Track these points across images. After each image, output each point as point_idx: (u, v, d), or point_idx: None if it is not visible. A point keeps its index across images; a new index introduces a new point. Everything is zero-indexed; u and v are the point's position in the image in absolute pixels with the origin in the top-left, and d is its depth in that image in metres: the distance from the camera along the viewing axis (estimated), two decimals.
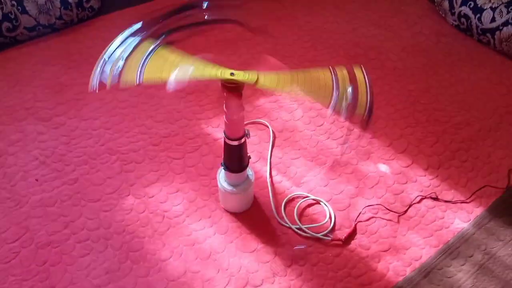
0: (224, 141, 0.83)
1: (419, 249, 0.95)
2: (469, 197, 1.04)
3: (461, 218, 1.00)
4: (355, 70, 0.74)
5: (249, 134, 0.83)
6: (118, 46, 0.71)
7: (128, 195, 1.01)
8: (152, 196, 1.01)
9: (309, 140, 1.15)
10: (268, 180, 1.04)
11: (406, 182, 1.07)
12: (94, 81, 0.67)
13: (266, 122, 1.17)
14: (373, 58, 1.40)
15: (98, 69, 0.67)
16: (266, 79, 0.72)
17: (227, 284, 0.88)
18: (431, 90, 1.30)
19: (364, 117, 0.70)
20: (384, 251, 0.94)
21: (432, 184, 1.07)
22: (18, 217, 0.97)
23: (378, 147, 1.14)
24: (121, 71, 0.67)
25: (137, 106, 1.21)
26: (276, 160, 1.10)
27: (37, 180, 1.03)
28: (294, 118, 1.20)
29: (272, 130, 1.16)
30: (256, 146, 1.13)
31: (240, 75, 0.71)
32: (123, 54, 0.70)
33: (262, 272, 0.90)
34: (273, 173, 1.07)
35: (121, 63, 0.67)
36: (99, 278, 0.88)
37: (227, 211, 0.99)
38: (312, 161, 1.10)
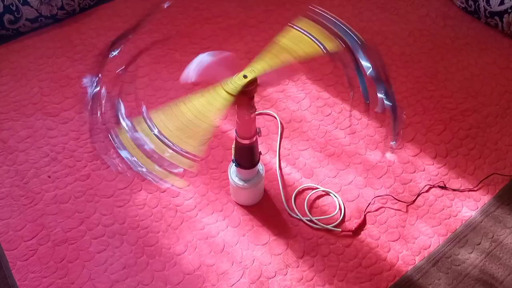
0: (236, 140, 0.84)
1: (428, 238, 0.97)
2: (477, 185, 1.05)
3: (468, 206, 1.02)
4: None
5: (260, 132, 0.83)
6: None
7: (140, 190, 1.03)
8: (164, 191, 1.03)
9: (317, 131, 1.15)
10: (278, 172, 1.06)
11: (414, 171, 1.08)
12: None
13: (274, 113, 1.17)
14: (379, 43, 1.39)
15: None
16: (270, 61, 0.71)
17: (241, 277, 0.90)
18: (438, 76, 1.29)
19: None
20: (394, 240, 0.96)
21: (440, 172, 1.08)
22: (33, 215, 0.98)
23: (385, 136, 1.14)
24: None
25: (144, 99, 1.21)
26: (285, 152, 1.11)
27: (49, 176, 1.05)
28: (301, 108, 1.20)
29: (280, 121, 1.16)
30: (264, 138, 1.13)
31: (252, 72, 0.70)
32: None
33: (274, 264, 0.92)
34: (283, 165, 1.08)
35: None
36: (117, 273, 0.90)
37: (238, 204, 1.01)
38: (321, 151, 1.11)
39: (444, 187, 1.05)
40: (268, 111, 1.18)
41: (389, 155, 1.10)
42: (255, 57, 0.74)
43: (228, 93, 0.69)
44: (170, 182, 0.69)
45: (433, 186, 1.05)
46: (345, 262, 0.93)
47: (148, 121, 0.70)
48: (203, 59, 0.77)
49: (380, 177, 1.07)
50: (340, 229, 0.97)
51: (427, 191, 1.05)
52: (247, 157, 0.87)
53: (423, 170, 1.08)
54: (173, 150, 0.66)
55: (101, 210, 0.99)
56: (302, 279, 0.90)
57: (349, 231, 0.97)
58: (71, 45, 1.35)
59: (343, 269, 0.92)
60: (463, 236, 0.98)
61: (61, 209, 0.99)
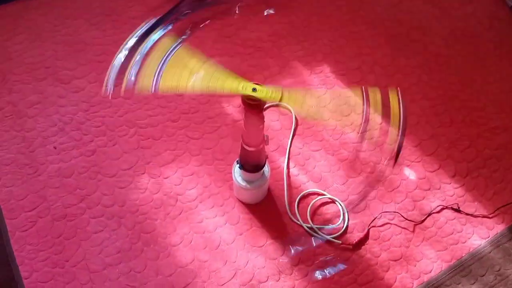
0: (241, 145, 0.80)
1: (431, 262, 0.93)
2: (493, 212, 1.00)
3: (480, 234, 0.97)
4: (390, 95, 0.67)
5: (267, 140, 0.79)
6: (136, 41, 0.65)
7: (144, 173, 1.01)
8: (167, 177, 1.01)
9: (333, 132, 1.10)
10: (285, 172, 1.02)
11: (429, 189, 1.02)
12: (108, 85, 0.63)
13: (289, 107, 1.12)
14: (416, 40, 1.28)
15: (113, 72, 0.62)
16: (291, 98, 0.66)
17: (233, 277, 0.90)
18: (473, 85, 1.19)
19: (392, 153, 0.65)
20: (394, 260, 0.93)
21: (456, 193, 1.02)
22: (36, 186, 0.99)
23: (405, 146, 1.08)
24: (137, 75, 0.63)
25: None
26: (296, 151, 1.06)
27: (55, 148, 1.04)
28: (320, 104, 1.14)
29: (295, 117, 1.11)
30: (276, 133, 1.08)
31: (263, 92, 0.65)
32: (141, 52, 0.65)
33: (268, 268, 0.91)
34: (291, 164, 1.04)
35: (136, 66, 0.63)
36: (111, 257, 0.91)
37: (240, 200, 0.98)
38: (333, 155, 1.06)
39: (457, 210, 1.00)
40: (284, 104, 1.13)
41: (408, 171, 1.04)
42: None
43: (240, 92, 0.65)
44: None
45: (446, 207, 1.00)
46: (340, 276, 0.91)
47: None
48: None
49: (392, 190, 1.02)
50: (340, 241, 0.94)
51: (438, 211, 1.00)
52: (252, 162, 0.83)
53: (439, 189, 1.02)
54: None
55: (103, 190, 0.99)
56: (294, 287, 0.89)
57: (349, 244, 0.94)
58: (90, 7, 1.29)
59: (337, 283, 0.90)
60: (467, 265, 0.93)
61: (63, 184, 0.99)
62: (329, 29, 1.30)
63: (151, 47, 0.66)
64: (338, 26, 1.30)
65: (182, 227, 0.95)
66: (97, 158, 1.03)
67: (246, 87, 0.66)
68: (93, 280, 0.88)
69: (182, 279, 0.89)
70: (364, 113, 0.72)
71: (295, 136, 1.08)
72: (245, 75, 1.16)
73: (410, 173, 1.04)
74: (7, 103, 1.10)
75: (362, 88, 0.69)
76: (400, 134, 0.69)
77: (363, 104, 0.70)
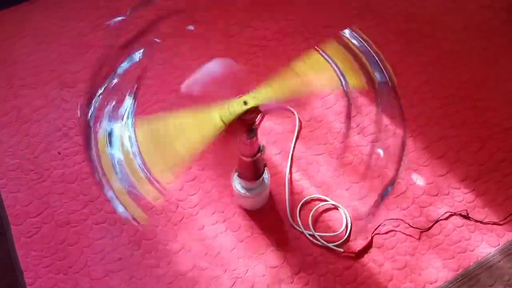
0: (238, 155, 0.78)
1: (436, 271, 0.91)
2: (504, 219, 0.96)
3: (489, 241, 0.93)
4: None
5: (263, 150, 0.77)
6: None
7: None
8: (169, 183, 1.00)
9: (338, 134, 1.07)
10: (287, 177, 1.00)
11: (437, 194, 0.99)
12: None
13: (293, 109, 1.09)
14: (427, 35, 1.23)
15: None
16: (278, 89, 0.64)
17: (232, 285, 0.89)
18: (487, 84, 1.14)
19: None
20: (398, 269, 0.91)
21: (465, 199, 0.98)
22: (41, 191, 1.00)
23: (413, 149, 1.05)
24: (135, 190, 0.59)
25: (161, 77, 1.16)
26: (299, 155, 1.04)
27: (59, 153, 1.05)
28: (325, 106, 1.11)
29: (299, 119, 1.08)
30: (279, 136, 1.06)
31: (253, 99, 0.63)
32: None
33: (268, 277, 0.90)
34: (293, 169, 1.02)
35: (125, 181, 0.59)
36: (113, 264, 0.92)
37: (241, 207, 0.97)
38: (337, 159, 1.03)
39: (466, 217, 0.96)
40: (288, 107, 1.10)
41: (415, 176, 1.01)
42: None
43: (222, 120, 0.62)
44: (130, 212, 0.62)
45: (454, 214, 0.96)
46: (341, 285, 0.89)
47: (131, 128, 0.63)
48: (210, 69, 0.69)
49: (397, 196, 0.99)
50: (342, 249, 0.92)
51: (446, 218, 0.96)
52: (249, 171, 0.82)
53: (447, 194, 0.99)
54: (144, 173, 0.60)
55: (105, 196, 0.99)
56: None
57: (351, 252, 0.92)
58: (95, 7, 1.29)
59: None
60: (475, 275, 0.90)
61: (67, 189, 1.00)
62: (336, 25, 1.25)
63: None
64: (346, 21, 1.26)
65: (183, 234, 0.95)
66: None
67: (237, 106, 0.63)
68: (95, 287, 0.89)
69: (182, 287, 0.89)
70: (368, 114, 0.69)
71: (299, 140, 1.06)
72: (249, 76, 1.16)
73: (417, 178, 1.00)
74: (12, 108, 1.11)
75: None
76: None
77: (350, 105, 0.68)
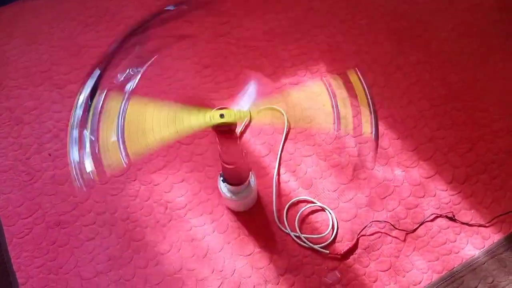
0: (221, 163, 0.79)
1: (420, 273, 0.92)
2: (490, 221, 0.96)
3: (474, 244, 0.94)
4: (349, 76, 0.67)
5: (246, 156, 0.78)
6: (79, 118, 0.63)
7: (135, 180, 1.02)
8: (158, 184, 1.02)
9: (326, 136, 1.07)
10: (275, 179, 1.01)
11: (424, 196, 1.00)
12: (77, 180, 0.62)
13: (282, 110, 1.10)
14: (418, 35, 1.23)
15: (73, 158, 0.61)
16: (259, 112, 0.66)
17: (219, 286, 0.91)
18: (477, 84, 1.14)
19: (373, 137, 0.65)
20: (383, 271, 0.92)
21: (452, 201, 0.99)
22: (32, 193, 1.01)
23: (400, 151, 1.05)
24: (99, 155, 0.61)
25: (151, 78, 1.16)
26: (287, 156, 1.05)
27: (50, 155, 1.06)
28: (314, 106, 1.11)
29: (288, 120, 1.09)
30: (268, 137, 1.07)
31: (231, 116, 0.64)
32: (90, 130, 0.61)
33: (254, 278, 0.91)
34: (282, 170, 1.03)
35: (94, 145, 0.61)
36: (102, 264, 0.93)
37: (229, 208, 0.98)
38: (325, 160, 1.04)
39: (452, 219, 0.97)
40: (276, 107, 1.11)
41: (399, 172, 1.01)
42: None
43: (209, 124, 0.64)
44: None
45: (440, 216, 0.97)
46: (327, 285, 0.91)
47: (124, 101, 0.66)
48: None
49: (384, 197, 1.00)
50: (328, 251, 0.93)
51: (432, 220, 0.97)
52: (232, 177, 0.82)
53: (434, 196, 1.00)
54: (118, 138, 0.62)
55: (95, 197, 1.01)
56: None
57: (337, 254, 0.93)
58: (84, 7, 1.29)
59: None
60: (459, 277, 0.91)
61: (58, 191, 1.01)
62: (327, 25, 1.25)
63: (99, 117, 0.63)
64: (336, 22, 1.26)
65: (171, 235, 0.96)
66: None
67: (213, 116, 0.64)
68: (85, 287, 0.91)
69: None
70: (335, 108, 0.72)
71: (287, 141, 1.07)
72: (238, 77, 1.16)
73: (400, 175, 1.01)
74: (4, 109, 1.13)
75: (323, 80, 0.68)
76: (372, 111, 0.69)
77: (331, 99, 0.70)
